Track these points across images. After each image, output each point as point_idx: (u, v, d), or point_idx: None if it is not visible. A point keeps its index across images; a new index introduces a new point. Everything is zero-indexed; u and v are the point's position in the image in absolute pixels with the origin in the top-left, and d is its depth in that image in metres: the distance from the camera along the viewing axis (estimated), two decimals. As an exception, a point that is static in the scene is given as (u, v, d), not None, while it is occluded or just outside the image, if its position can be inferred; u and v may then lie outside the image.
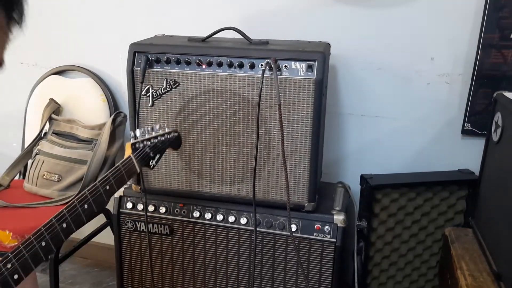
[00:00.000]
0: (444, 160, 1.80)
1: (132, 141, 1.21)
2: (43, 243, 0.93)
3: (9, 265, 0.87)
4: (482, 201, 1.51)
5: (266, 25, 1.83)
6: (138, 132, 1.23)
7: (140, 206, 1.65)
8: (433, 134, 1.81)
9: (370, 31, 1.75)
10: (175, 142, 1.35)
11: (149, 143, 1.24)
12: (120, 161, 1.14)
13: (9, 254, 0.88)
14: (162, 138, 1.29)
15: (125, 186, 1.68)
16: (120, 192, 1.68)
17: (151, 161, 1.25)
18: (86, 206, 1.02)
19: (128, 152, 1.19)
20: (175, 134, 1.34)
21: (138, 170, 1.19)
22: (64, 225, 0.97)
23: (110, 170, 1.10)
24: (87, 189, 1.03)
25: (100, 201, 1.05)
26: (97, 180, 1.06)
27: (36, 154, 1.95)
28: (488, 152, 1.48)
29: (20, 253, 0.89)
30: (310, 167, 1.51)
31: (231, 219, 1.59)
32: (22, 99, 2.18)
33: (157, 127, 1.30)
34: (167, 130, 1.32)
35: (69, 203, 0.99)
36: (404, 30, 1.72)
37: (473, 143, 1.75)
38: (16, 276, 0.88)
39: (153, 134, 1.27)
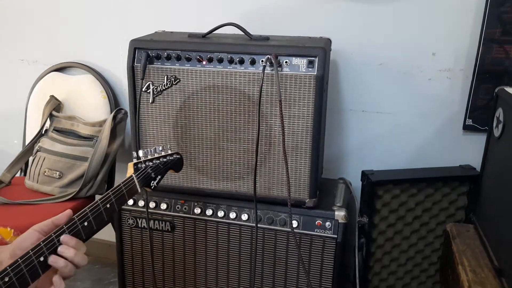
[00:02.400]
0: (445, 156, 1.80)
1: (135, 161, 1.22)
2: (42, 258, 0.94)
3: (6, 279, 0.88)
4: (483, 196, 1.51)
5: (267, 21, 1.82)
6: (140, 152, 1.24)
7: (141, 203, 1.65)
8: (435, 130, 1.80)
9: (371, 27, 1.74)
10: (176, 164, 1.36)
11: (151, 164, 1.25)
12: (122, 181, 1.15)
13: (7, 268, 0.89)
14: (164, 160, 1.29)
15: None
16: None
17: (152, 182, 1.25)
18: (86, 223, 1.03)
19: (130, 171, 1.19)
20: (177, 156, 1.35)
21: (139, 191, 1.19)
22: None
23: (111, 189, 1.11)
24: (87, 206, 1.04)
25: (100, 219, 1.06)
26: (98, 199, 1.07)
27: (37, 151, 1.95)
28: (490, 148, 1.47)
29: (18, 267, 0.90)
30: (311, 163, 1.50)
31: (232, 215, 1.59)
32: (23, 96, 2.18)
33: (160, 148, 1.30)
34: (169, 152, 1.33)
35: (69, 220, 1.01)
36: (405, 25, 1.71)
37: (475, 138, 1.74)
38: None
39: (156, 155, 1.28)
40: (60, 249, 0.96)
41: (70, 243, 0.97)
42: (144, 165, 1.23)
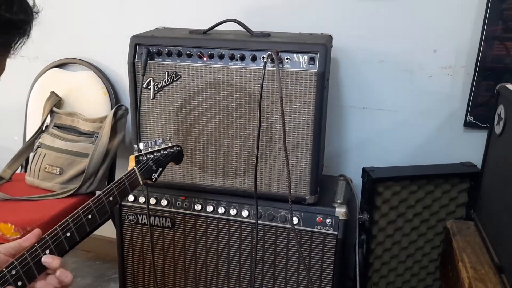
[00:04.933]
0: (446, 153, 1.80)
1: (136, 154, 1.22)
2: (47, 251, 0.95)
3: (13, 272, 0.88)
4: (484, 194, 1.51)
5: (268, 17, 1.82)
6: (141, 145, 1.25)
7: (142, 199, 1.65)
8: (435, 127, 1.80)
9: (372, 23, 1.74)
10: (177, 157, 1.37)
11: (152, 156, 1.26)
12: (124, 173, 1.16)
13: (14, 261, 0.89)
14: (165, 152, 1.30)
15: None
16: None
17: (154, 174, 1.27)
18: (90, 216, 1.04)
19: (131, 164, 1.20)
20: (177, 148, 1.36)
21: (141, 183, 1.20)
22: (68, 234, 0.99)
23: (114, 182, 1.12)
24: (91, 199, 1.05)
25: (104, 212, 1.08)
26: (101, 191, 1.08)
27: (38, 147, 1.96)
28: (491, 145, 1.47)
29: (25, 261, 0.90)
30: (311, 160, 1.50)
31: (233, 212, 1.59)
32: (23, 93, 2.17)
33: (160, 141, 1.31)
34: (169, 144, 1.34)
35: (73, 213, 1.01)
36: (406, 22, 1.71)
37: (476, 135, 1.74)
38: (20, 283, 0.89)
39: (156, 147, 1.29)
40: (58, 274, 0.93)
41: (52, 264, 0.94)
42: (145, 158, 1.24)
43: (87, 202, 1.04)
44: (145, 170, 1.22)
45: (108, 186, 1.10)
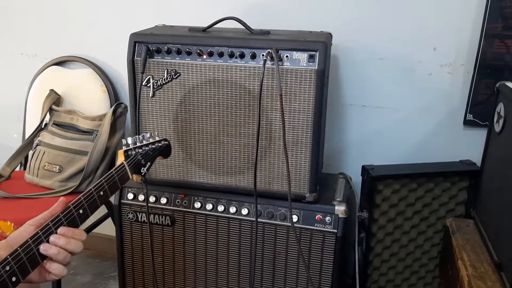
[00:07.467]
0: (445, 151, 1.80)
1: (124, 148, 1.24)
2: (41, 246, 0.95)
3: (7, 267, 0.89)
4: (483, 192, 1.51)
5: (267, 15, 1.82)
6: (129, 139, 1.26)
7: (141, 197, 1.65)
8: (435, 125, 1.80)
9: (372, 21, 1.74)
10: (165, 151, 1.39)
11: (140, 150, 1.27)
12: (114, 168, 1.17)
13: (8, 257, 0.90)
14: (153, 146, 1.32)
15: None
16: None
17: (143, 168, 1.28)
18: (81, 211, 1.05)
19: (120, 159, 1.22)
20: (165, 142, 1.38)
21: (131, 177, 1.22)
22: None
23: (104, 176, 1.13)
24: (82, 194, 1.06)
25: (94, 206, 1.09)
26: (92, 186, 1.09)
27: (37, 145, 1.95)
28: (490, 143, 1.47)
29: (19, 256, 0.91)
30: (311, 157, 1.50)
31: (232, 210, 1.59)
32: (23, 90, 2.17)
33: (148, 135, 1.33)
34: (157, 138, 1.35)
35: (65, 208, 1.03)
36: (406, 20, 1.70)
37: (475, 133, 1.74)
38: (14, 279, 0.90)
39: (144, 142, 1.30)
40: (51, 239, 0.97)
41: (67, 233, 0.99)
42: (134, 152, 1.25)
43: (78, 197, 1.05)
44: (134, 165, 1.24)
45: (99, 180, 1.11)
